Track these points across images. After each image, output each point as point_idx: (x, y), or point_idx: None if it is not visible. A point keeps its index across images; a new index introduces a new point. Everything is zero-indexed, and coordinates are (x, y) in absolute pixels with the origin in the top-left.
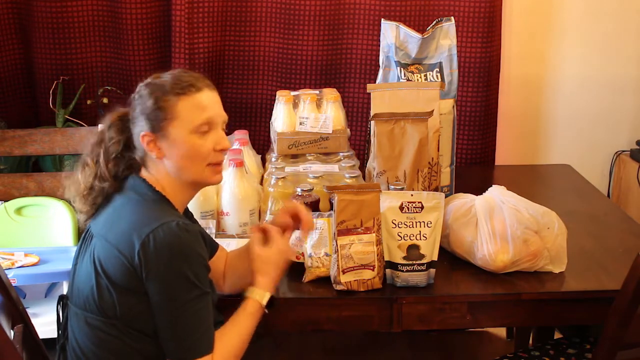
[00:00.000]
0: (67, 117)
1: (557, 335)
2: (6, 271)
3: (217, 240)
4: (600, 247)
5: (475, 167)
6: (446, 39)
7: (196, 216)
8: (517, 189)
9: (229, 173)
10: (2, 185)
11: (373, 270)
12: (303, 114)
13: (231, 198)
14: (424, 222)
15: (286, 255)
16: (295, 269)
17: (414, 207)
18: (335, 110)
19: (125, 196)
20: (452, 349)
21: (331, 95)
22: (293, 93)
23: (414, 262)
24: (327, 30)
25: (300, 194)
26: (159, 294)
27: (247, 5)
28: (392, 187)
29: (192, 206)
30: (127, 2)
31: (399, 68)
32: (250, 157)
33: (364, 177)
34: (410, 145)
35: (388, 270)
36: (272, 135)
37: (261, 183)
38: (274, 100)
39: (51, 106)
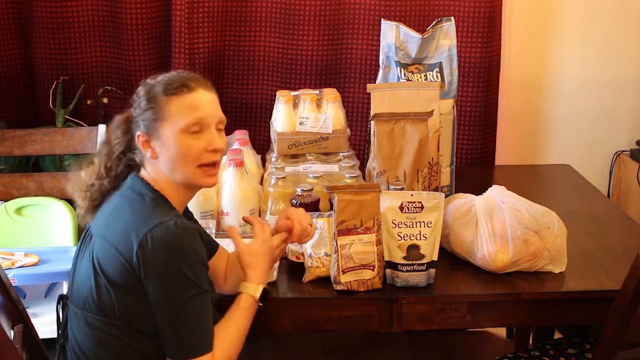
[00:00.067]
0: (67, 117)
1: (557, 335)
2: (6, 271)
3: (217, 241)
4: (600, 247)
5: (475, 167)
6: (446, 39)
7: (196, 216)
8: (517, 189)
9: (229, 173)
10: (2, 185)
11: (373, 270)
12: (303, 114)
13: (231, 198)
14: (424, 222)
15: (270, 245)
16: (295, 269)
17: (414, 207)
18: (335, 110)
19: (124, 195)
20: (452, 349)
21: (331, 95)
22: (293, 93)
23: (414, 262)
24: (327, 30)
25: (300, 194)
26: (158, 293)
27: (247, 5)
28: (392, 187)
29: (192, 206)
30: (127, 2)
31: (399, 68)
32: (250, 157)
33: (364, 177)
34: (410, 145)
35: (388, 270)
36: (272, 135)
37: (261, 183)
38: (274, 100)
39: (51, 106)
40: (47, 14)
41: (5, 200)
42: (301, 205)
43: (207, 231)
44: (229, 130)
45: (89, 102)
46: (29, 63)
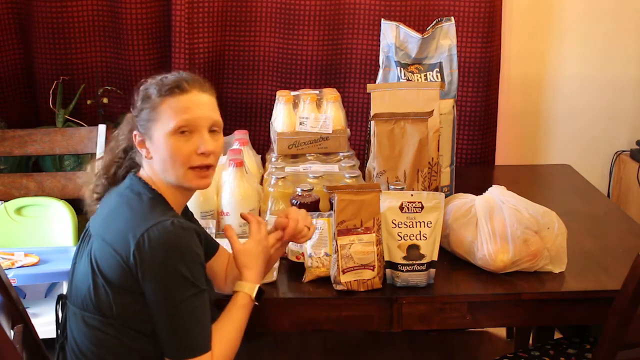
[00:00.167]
0: (67, 117)
1: (557, 335)
2: (6, 271)
3: (218, 241)
4: (600, 247)
5: (475, 167)
6: (446, 39)
7: (196, 216)
8: (517, 189)
9: (229, 173)
10: (2, 185)
11: (373, 270)
12: (303, 114)
13: (231, 198)
14: (424, 222)
15: (265, 244)
16: (295, 269)
17: (414, 207)
18: (335, 110)
19: (123, 195)
20: (452, 349)
21: (331, 95)
22: (293, 93)
23: (414, 262)
24: (327, 30)
25: (300, 194)
26: (155, 293)
27: (247, 5)
28: (392, 187)
29: (192, 206)
30: (127, 2)
31: (399, 68)
32: (250, 157)
33: (364, 177)
34: (410, 145)
35: (388, 270)
36: (272, 135)
37: (261, 183)
38: (274, 100)
39: (51, 106)
40: (47, 14)
41: (5, 200)
42: (301, 205)
43: (207, 231)
44: (229, 130)
45: (89, 102)
46: (29, 63)
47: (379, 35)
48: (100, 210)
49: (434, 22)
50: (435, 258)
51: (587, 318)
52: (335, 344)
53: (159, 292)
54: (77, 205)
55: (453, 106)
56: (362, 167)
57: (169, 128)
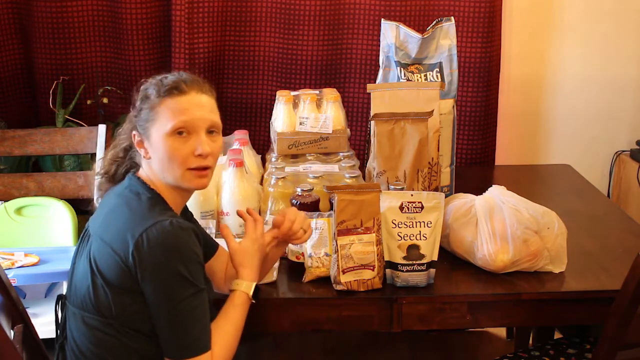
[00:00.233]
0: (67, 117)
1: (557, 335)
2: (6, 271)
3: (217, 241)
4: (600, 247)
5: (475, 167)
6: (446, 39)
7: (196, 216)
8: (517, 189)
9: (229, 173)
10: (2, 185)
11: (373, 270)
12: (303, 114)
13: (231, 198)
14: (424, 222)
15: (261, 243)
16: (295, 269)
17: (414, 207)
18: (335, 110)
19: (122, 195)
20: (452, 349)
21: (331, 95)
22: (293, 93)
23: (414, 262)
24: (327, 30)
25: (300, 194)
26: (155, 293)
27: (247, 5)
28: (392, 187)
29: (192, 206)
30: (127, 2)
31: (399, 68)
32: (250, 157)
33: (364, 177)
34: (410, 145)
35: (388, 270)
36: (272, 135)
37: (261, 183)
38: (274, 100)
39: (51, 106)
40: (47, 14)
41: (5, 200)
42: (301, 205)
43: (207, 231)
44: (229, 130)
45: (89, 102)
46: (29, 63)
47: (379, 35)
48: (100, 210)
49: (434, 22)
50: (435, 258)
51: (587, 318)
52: (335, 344)
53: (158, 292)
54: (77, 205)
55: (453, 106)
56: (362, 167)
57: (166, 129)
